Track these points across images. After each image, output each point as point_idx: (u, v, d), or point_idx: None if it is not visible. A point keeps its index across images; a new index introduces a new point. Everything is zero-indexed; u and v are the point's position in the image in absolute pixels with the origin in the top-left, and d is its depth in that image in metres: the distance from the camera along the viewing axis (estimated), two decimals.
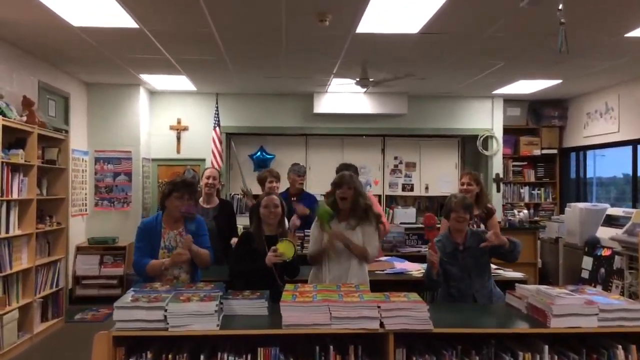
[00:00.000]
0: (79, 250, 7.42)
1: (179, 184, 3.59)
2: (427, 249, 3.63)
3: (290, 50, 5.81)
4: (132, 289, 2.92)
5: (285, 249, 3.43)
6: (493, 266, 4.33)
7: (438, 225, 4.06)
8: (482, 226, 4.47)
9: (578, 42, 5.30)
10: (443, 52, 5.88)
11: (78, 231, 7.46)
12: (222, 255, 4.50)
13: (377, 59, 6.16)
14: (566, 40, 3.09)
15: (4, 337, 4.93)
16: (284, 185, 5.60)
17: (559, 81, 7.37)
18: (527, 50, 5.72)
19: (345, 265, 3.63)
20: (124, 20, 4.73)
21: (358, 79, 6.61)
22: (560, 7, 3.08)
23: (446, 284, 3.63)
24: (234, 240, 4.78)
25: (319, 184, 7.67)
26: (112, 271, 7.35)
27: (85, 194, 7.65)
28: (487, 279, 3.66)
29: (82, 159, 7.56)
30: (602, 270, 6.33)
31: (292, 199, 5.51)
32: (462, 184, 4.73)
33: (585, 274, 6.65)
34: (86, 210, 7.67)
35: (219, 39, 5.35)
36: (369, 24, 4.82)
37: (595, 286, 6.16)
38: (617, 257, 6.06)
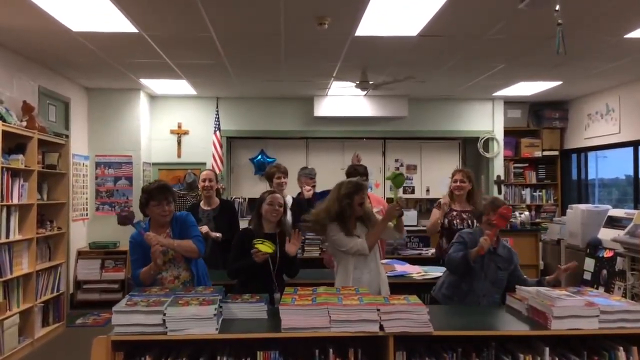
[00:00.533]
0: (80, 254, 7.42)
1: (154, 191, 3.44)
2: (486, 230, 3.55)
3: (289, 54, 5.81)
4: (130, 293, 2.91)
5: (263, 248, 3.41)
6: None
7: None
8: (476, 223, 4.46)
9: (578, 43, 5.30)
10: (443, 55, 5.87)
11: (79, 236, 7.47)
12: (220, 257, 4.47)
13: (377, 62, 6.17)
14: (564, 41, 3.09)
15: (4, 342, 4.94)
16: (291, 182, 5.48)
17: (560, 83, 7.37)
18: (527, 52, 5.71)
19: (375, 271, 3.64)
20: (123, 25, 4.74)
21: (358, 82, 6.61)
22: (557, 7, 3.08)
23: (460, 277, 3.60)
24: None
25: (320, 187, 7.62)
26: (113, 275, 7.36)
27: (86, 198, 7.66)
28: (497, 292, 3.61)
29: (83, 164, 7.57)
30: (604, 271, 6.30)
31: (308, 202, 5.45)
32: (455, 181, 4.76)
33: (587, 276, 6.62)
34: (87, 215, 7.68)
35: (219, 43, 5.36)
36: (368, 26, 4.82)
37: (597, 288, 6.14)
38: (619, 259, 6.04)
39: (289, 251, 3.55)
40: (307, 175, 5.45)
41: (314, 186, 5.43)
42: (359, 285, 3.38)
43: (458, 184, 4.74)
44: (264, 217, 3.68)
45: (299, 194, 5.49)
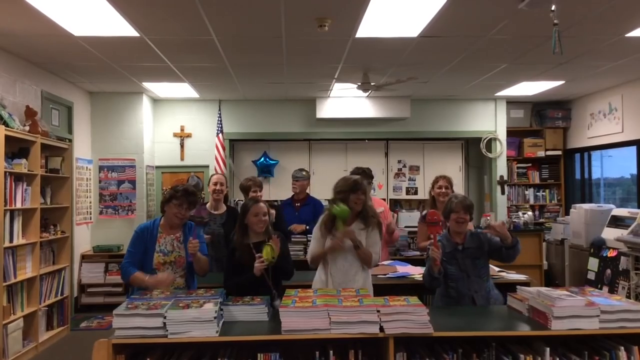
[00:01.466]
0: (84, 258, 7.45)
1: (180, 192, 3.58)
2: (429, 246, 3.57)
3: (291, 56, 5.82)
4: (130, 296, 2.92)
5: (266, 254, 3.40)
6: (496, 268, 4.33)
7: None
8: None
9: (579, 42, 5.29)
10: (444, 55, 5.87)
11: (83, 239, 7.50)
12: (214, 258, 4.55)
13: (378, 63, 6.17)
14: (560, 41, 3.09)
15: (8, 345, 4.95)
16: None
17: (562, 82, 7.35)
18: (529, 52, 5.70)
19: (350, 271, 3.63)
20: (125, 29, 4.76)
21: (360, 83, 6.61)
22: (553, 8, 3.08)
23: (444, 284, 3.60)
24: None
25: (322, 188, 7.62)
26: (117, 279, 7.34)
27: (90, 202, 7.69)
28: (485, 280, 3.63)
29: (86, 168, 7.59)
30: (608, 271, 6.28)
31: (296, 204, 5.51)
32: (440, 187, 4.79)
33: (591, 275, 6.60)
34: (91, 219, 7.70)
35: (220, 46, 5.37)
36: (368, 28, 4.82)
37: (601, 287, 6.12)
38: (622, 258, 6.02)
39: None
40: (293, 177, 5.59)
41: (296, 188, 5.53)
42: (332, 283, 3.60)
43: (443, 190, 4.75)
44: (251, 229, 3.64)
45: (292, 196, 5.62)
